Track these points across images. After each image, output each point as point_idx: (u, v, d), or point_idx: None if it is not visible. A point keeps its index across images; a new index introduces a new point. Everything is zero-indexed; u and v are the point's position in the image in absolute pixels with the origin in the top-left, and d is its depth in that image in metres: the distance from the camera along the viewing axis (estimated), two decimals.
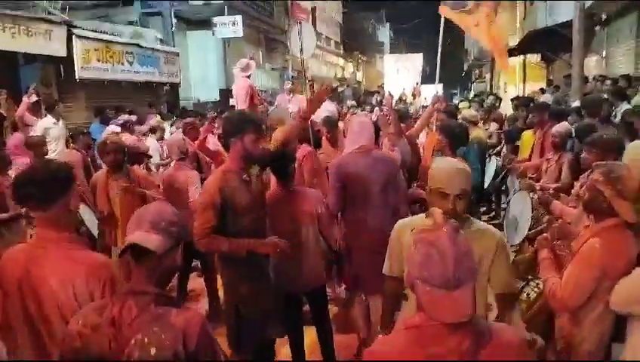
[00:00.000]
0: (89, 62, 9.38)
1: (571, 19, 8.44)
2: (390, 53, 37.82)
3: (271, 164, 2.92)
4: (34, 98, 6.35)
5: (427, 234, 1.26)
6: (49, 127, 6.20)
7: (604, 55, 10.71)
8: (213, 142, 5.63)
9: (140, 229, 1.41)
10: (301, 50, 5.72)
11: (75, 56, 8.99)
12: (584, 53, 8.48)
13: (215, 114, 6.41)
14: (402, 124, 5.02)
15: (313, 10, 23.97)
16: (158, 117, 8.07)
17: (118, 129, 5.93)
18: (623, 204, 2.06)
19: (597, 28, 10.64)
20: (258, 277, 2.69)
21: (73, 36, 8.95)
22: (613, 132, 3.89)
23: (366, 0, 35.14)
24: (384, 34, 43.37)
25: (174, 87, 12.75)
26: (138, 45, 11.01)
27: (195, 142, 4.93)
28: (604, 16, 10.14)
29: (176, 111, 11.02)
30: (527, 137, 5.57)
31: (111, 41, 10.18)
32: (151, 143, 6.18)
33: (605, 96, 6.29)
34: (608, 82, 7.67)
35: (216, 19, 14.02)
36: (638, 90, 6.51)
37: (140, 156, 4.85)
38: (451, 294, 1.19)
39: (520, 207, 4.08)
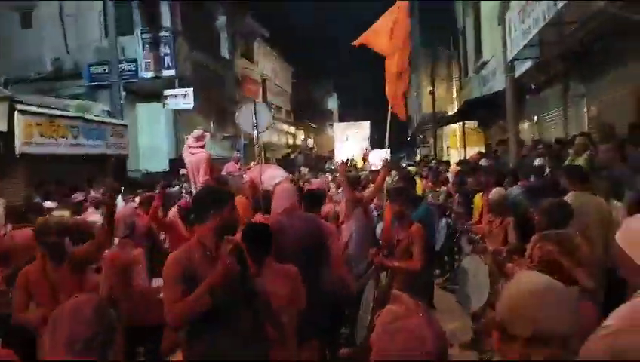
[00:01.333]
0: (31, 137, 9.05)
1: (504, 89, 9.14)
2: (339, 120, 39.24)
3: (245, 239, 2.78)
4: None
5: (404, 323, 1.16)
6: None
7: (535, 121, 11.58)
8: (172, 214, 5.44)
9: (53, 355, 1.27)
10: (255, 127, 5.97)
11: (16, 131, 8.67)
12: (518, 120, 9.12)
13: (163, 185, 6.27)
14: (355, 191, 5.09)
15: (264, 81, 24.78)
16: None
17: (54, 205, 5.60)
18: (581, 272, 2.11)
19: (527, 96, 11.56)
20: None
21: (15, 111, 8.68)
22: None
23: (314, 71, 36.84)
24: (333, 102, 45.30)
25: (121, 158, 12.45)
26: (83, 118, 10.81)
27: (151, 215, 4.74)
28: (532, 86, 11.06)
29: (124, 183, 10.69)
30: (477, 200, 5.78)
31: (55, 115, 9.94)
32: (96, 220, 5.85)
33: (539, 160, 6.71)
34: (540, 146, 8.21)
35: (166, 92, 14.14)
36: (569, 153, 6.97)
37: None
38: None
39: (474, 271, 4.13)
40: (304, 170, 11.40)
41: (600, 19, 6.00)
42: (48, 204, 5.75)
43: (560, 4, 5.55)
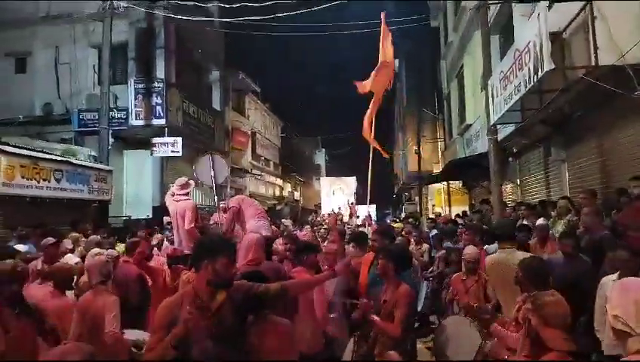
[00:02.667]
0: (12, 179, 8.92)
1: (487, 151, 9.38)
2: (326, 175, 39.65)
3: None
4: None
5: None
6: None
7: (518, 183, 11.82)
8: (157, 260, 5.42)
9: None
10: (213, 178, 6.23)
11: None
12: (500, 182, 9.30)
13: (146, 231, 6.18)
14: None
15: (253, 134, 25.14)
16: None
17: (26, 247, 5.42)
18: (548, 332, 2.02)
19: (510, 159, 11.87)
20: None
21: None
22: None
23: (304, 127, 37.66)
24: (320, 158, 45.96)
25: (104, 204, 12.26)
26: (69, 162, 10.74)
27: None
28: (515, 150, 11.39)
29: (107, 229, 10.48)
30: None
31: (40, 158, 9.86)
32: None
33: (525, 221, 6.79)
34: (522, 208, 8.32)
35: (155, 140, 14.21)
36: (551, 215, 7.08)
37: None
38: None
39: (458, 330, 4.01)
40: (287, 222, 11.36)
41: (578, 89, 6.29)
42: (20, 246, 5.55)
43: (540, 73, 5.84)
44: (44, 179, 9.84)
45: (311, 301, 3.67)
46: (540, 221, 5.60)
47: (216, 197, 6.71)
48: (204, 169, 6.77)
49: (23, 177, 9.21)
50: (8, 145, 9.14)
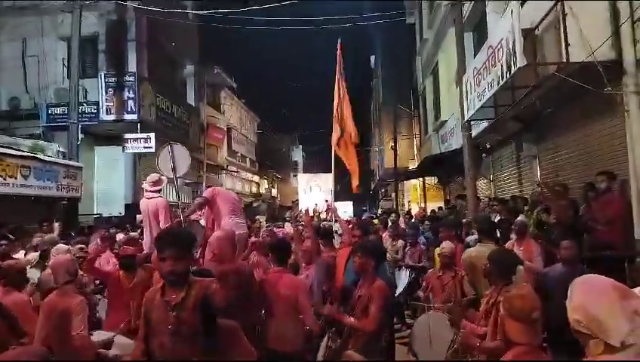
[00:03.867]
0: None
1: (461, 148, 9.48)
2: (304, 172, 39.58)
3: None
4: None
5: None
6: None
7: (491, 179, 12.01)
8: (112, 262, 5.29)
9: None
10: (173, 169, 6.01)
11: None
12: (475, 177, 9.41)
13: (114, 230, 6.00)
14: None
15: (229, 130, 24.84)
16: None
17: None
18: (510, 324, 2.05)
19: (483, 155, 12.04)
20: None
21: None
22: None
23: (280, 123, 37.49)
24: (297, 154, 45.86)
25: (73, 201, 11.90)
26: (36, 158, 10.37)
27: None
28: (488, 146, 11.55)
29: (75, 227, 10.19)
30: (438, 252, 5.81)
31: (5, 154, 9.49)
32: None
33: (499, 215, 6.90)
34: (495, 203, 8.46)
35: (127, 136, 13.87)
36: (523, 209, 7.22)
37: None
38: None
39: (433, 326, 4.03)
40: (260, 219, 11.28)
41: (549, 85, 6.40)
42: None
43: (513, 70, 5.91)
44: (11, 176, 9.49)
45: (293, 301, 3.58)
46: (521, 218, 5.66)
47: (178, 192, 6.50)
48: (165, 160, 6.56)
49: None
50: None
